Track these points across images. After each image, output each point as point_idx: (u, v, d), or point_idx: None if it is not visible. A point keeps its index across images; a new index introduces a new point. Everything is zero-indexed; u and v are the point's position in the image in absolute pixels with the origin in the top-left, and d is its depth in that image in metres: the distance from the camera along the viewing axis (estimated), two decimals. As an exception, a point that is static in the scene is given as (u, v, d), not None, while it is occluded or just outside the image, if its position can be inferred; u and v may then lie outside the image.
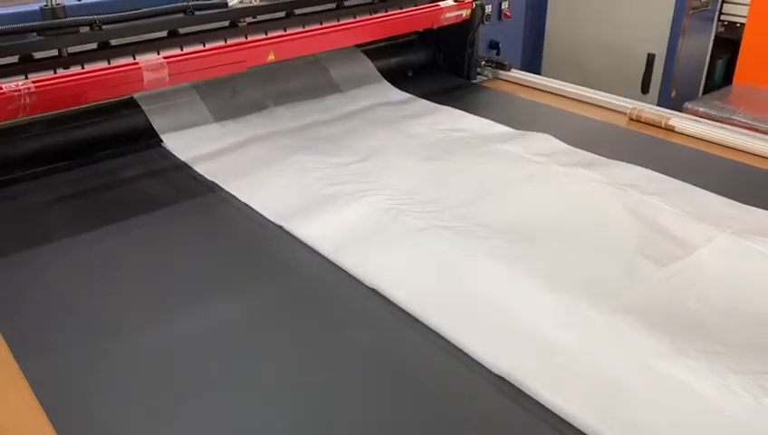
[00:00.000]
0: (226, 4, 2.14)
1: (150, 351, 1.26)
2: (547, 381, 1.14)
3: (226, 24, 2.22)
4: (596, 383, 1.14)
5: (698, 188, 1.77)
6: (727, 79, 3.72)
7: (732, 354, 1.17)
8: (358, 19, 2.44)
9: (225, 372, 1.21)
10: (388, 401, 1.15)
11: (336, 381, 1.20)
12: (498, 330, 1.27)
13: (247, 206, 1.76)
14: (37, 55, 1.89)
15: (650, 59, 3.58)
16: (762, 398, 1.08)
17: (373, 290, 1.41)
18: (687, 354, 1.17)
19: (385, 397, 1.16)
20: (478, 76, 2.76)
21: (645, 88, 3.65)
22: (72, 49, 1.95)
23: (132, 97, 2.11)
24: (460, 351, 1.23)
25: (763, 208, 1.66)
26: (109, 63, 1.97)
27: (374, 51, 2.66)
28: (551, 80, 2.68)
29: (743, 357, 1.17)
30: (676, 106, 3.01)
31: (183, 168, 1.98)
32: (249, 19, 2.25)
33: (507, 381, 1.15)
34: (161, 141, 2.10)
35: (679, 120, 2.22)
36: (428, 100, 2.50)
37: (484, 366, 1.19)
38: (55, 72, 1.90)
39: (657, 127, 2.24)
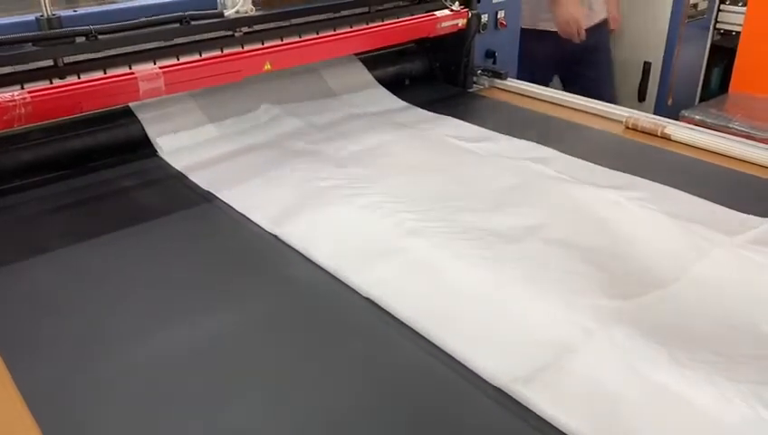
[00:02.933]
0: (223, 13, 2.14)
1: (146, 362, 1.25)
2: (544, 392, 1.13)
3: (223, 33, 2.22)
4: (593, 394, 1.13)
5: (695, 197, 1.77)
6: (723, 87, 3.73)
7: (730, 365, 1.17)
8: (354, 29, 2.45)
9: (223, 383, 1.20)
10: (384, 413, 1.14)
11: (331, 392, 1.19)
12: (495, 341, 1.27)
13: (243, 215, 1.76)
14: (33, 65, 1.89)
15: (646, 67, 3.61)
16: (759, 408, 1.07)
17: (369, 300, 1.40)
18: (684, 365, 1.16)
19: (381, 409, 1.16)
20: (474, 85, 2.76)
21: (641, 96, 3.66)
22: (67, 59, 1.95)
23: (128, 106, 2.11)
24: (457, 362, 1.22)
25: (761, 217, 1.66)
26: (105, 73, 1.97)
27: (371, 59, 2.66)
28: (547, 88, 2.69)
29: (741, 368, 1.16)
30: (673, 114, 3.02)
31: (179, 177, 1.98)
32: (245, 29, 2.26)
33: (504, 392, 1.15)
34: (157, 151, 2.10)
35: (675, 129, 2.22)
36: (424, 108, 2.51)
37: (481, 377, 1.18)
38: (51, 82, 1.90)
39: (654, 135, 2.24)
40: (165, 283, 1.50)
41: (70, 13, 1.96)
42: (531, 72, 3.06)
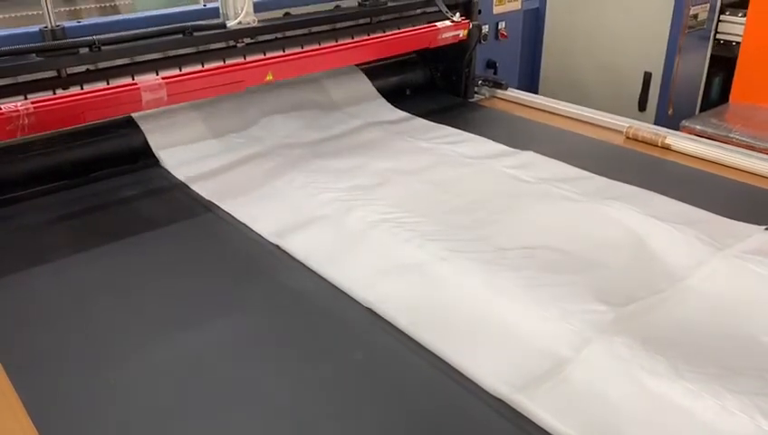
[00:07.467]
0: (225, 24, 2.16)
1: (148, 374, 1.25)
2: (545, 402, 1.13)
3: (225, 44, 2.23)
4: (593, 405, 1.13)
5: (695, 208, 1.77)
6: (724, 97, 3.74)
7: (730, 376, 1.17)
8: (355, 39, 2.46)
9: (223, 393, 1.20)
10: (384, 424, 1.14)
11: (331, 401, 1.19)
12: (496, 351, 1.27)
13: (244, 225, 1.76)
14: (36, 76, 1.90)
15: (647, 77, 3.61)
16: (759, 420, 1.07)
17: (369, 309, 1.40)
18: (685, 376, 1.16)
19: (381, 419, 1.16)
20: (475, 95, 2.77)
21: (642, 106, 3.66)
22: (70, 70, 1.96)
23: (131, 116, 2.12)
24: (458, 372, 1.22)
25: (761, 227, 1.66)
26: (107, 84, 1.98)
27: (373, 69, 2.68)
28: (547, 99, 2.69)
29: (740, 379, 1.16)
30: (674, 124, 3.02)
31: (181, 187, 1.98)
32: (248, 40, 2.27)
33: (504, 401, 1.15)
34: (159, 161, 2.11)
35: (675, 139, 2.23)
36: (426, 118, 2.51)
37: (481, 387, 1.18)
38: (54, 93, 1.91)
39: (654, 145, 2.25)
40: (166, 293, 1.50)
41: (74, 24, 1.97)
42: None
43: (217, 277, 1.57)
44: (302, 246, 1.63)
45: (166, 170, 2.07)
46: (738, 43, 3.49)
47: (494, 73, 2.99)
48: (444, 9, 2.59)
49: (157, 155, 2.12)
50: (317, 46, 2.38)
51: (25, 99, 1.82)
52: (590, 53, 3.79)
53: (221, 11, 2.17)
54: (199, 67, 2.14)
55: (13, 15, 2.21)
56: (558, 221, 1.74)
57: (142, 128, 2.13)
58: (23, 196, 1.92)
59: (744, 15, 3.44)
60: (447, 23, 2.58)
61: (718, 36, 3.75)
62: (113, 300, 1.48)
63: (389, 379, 1.25)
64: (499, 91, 2.76)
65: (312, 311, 1.45)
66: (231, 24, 2.16)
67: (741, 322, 1.34)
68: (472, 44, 2.67)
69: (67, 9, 2.46)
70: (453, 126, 2.43)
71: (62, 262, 1.62)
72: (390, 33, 2.53)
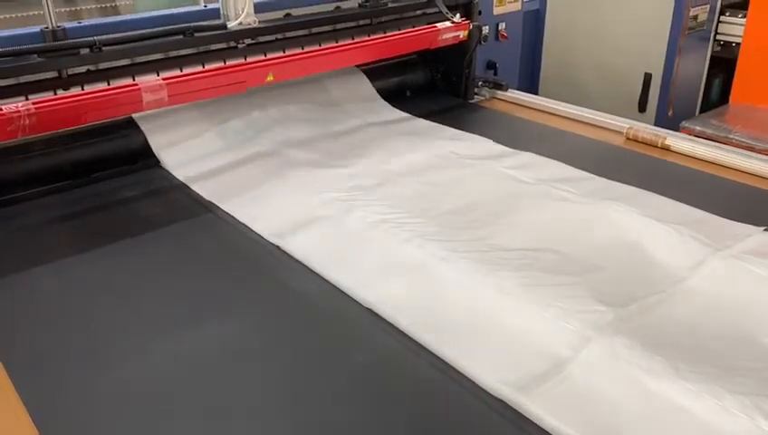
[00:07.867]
0: (226, 25, 2.16)
1: (148, 374, 1.26)
2: (545, 402, 1.13)
3: (226, 45, 2.24)
4: (594, 406, 1.14)
5: (695, 209, 1.77)
6: (723, 98, 3.74)
7: (729, 376, 1.17)
8: (356, 40, 2.46)
9: (223, 394, 1.20)
10: (384, 424, 1.15)
11: (331, 403, 1.19)
12: (496, 351, 1.27)
13: (244, 225, 1.77)
14: (37, 77, 1.90)
15: (647, 78, 3.61)
16: (759, 420, 1.08)
17: (369, 310, 1.41)
18: (684, 376, 1.17)
19: (381, 419, 1.16)
20: (475, 96, 2.78)
21: (642, 107, 3.67)
22: (71, 70, 1.96)
23: (131, 117, 2.12)
24: (458, 373, 1.23)
25: (760, 228, 1.66)
26: (108, 85, 1.98)
27: (373, 70, 2.68)
28: (547, 100, 2.70)
29: (740, 379, 1.16)
30: (674, 125, 3.03)
31: (181, 187, 1.99)
32: (248, 40, 2.27)
33: (505, 402, 1.15)
34: (159, 162, 2.11)
35: (675, 140, 2.23)
36: (426, 119, 2.52)
37: (482, 388, 1.18)
38: (55, 94, 1.91)
39: (654, 146, 2.25)
40: (166, 294, 1.51)
41: (74, 24, 1.98)
42: None
43: (217, 277, 1.57)
44: (301, 247, 1.64)
45: (166, 171, 2.08)
46: (738, 44, 3.49)
47: (495, 74, 2.99)
48: (444, 10, 2.60)
49: (157, 155, 2.12)
50: (318, 47, 2.38)
51: (26, 99, 1.82)
52: (590, 53, 3.80)
53: (222, 12, 2.18)
54: (200, 68, 2.14)
55: (14, 16, 2.22)
56: (558, 222, 1.74)
57: (142, 128, 2.13)
58: (23, 196, 1.92)
59: (744, 16, 3.44)
60: (448, 24, 2.58)
61: (718, 37, 3.76)
62: (113, 300, 1.48)
63: (389, 379, 1.25)
64: (499, 92, 2.77)
65: (312, 311, 1.45)
66: (232, 24, 2.16)
67: (740, 322, 1.34)
68: (472, 45, 2.67)
69: (68, 10, 2.47)
70: (453, 127, 2.43)
71: (62, 262, 1.62)
72: (391, 34, 2.53)
